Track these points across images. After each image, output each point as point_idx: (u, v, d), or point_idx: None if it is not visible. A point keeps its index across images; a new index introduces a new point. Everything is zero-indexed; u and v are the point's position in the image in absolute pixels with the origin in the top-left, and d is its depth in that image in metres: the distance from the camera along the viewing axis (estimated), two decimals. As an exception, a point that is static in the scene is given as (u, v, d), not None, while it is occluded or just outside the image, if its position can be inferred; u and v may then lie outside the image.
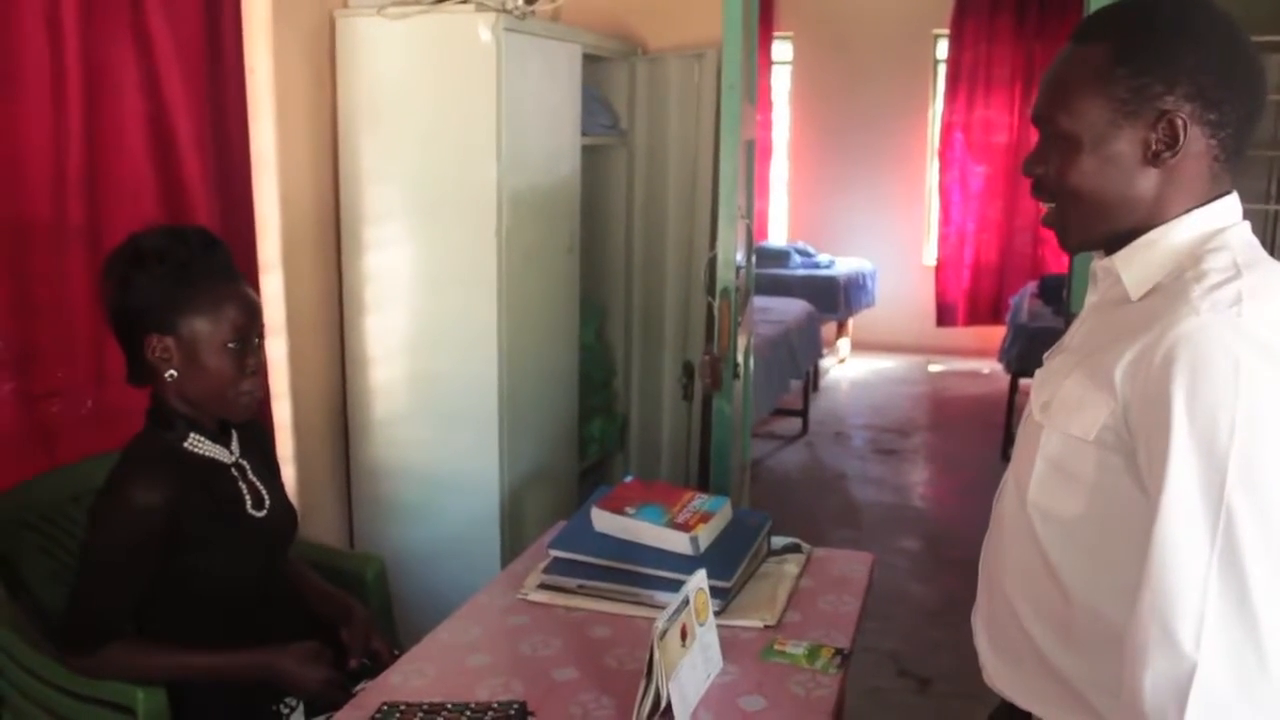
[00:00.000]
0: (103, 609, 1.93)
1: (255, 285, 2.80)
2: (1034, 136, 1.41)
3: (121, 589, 1.92)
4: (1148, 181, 1.29)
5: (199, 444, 1.98)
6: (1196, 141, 1.27)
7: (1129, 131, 1.28)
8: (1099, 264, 1.39)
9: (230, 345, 1.93)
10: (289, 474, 3.01)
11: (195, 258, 1.93)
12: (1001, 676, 1.46)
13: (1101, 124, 1.29)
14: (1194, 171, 1.29)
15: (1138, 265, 1.31)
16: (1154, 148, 1.27)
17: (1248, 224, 1.32)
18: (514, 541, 3.20)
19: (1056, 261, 7.73)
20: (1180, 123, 1.25)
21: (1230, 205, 1.31)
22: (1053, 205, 1.38)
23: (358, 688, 1.94)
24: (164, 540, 1.89)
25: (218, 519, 1.98)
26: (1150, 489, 1.19)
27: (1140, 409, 1.20)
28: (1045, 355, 1.47)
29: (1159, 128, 1.26)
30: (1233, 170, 1.32)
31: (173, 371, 1.93)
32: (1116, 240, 1.34)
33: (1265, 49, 4.85)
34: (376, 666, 2.02)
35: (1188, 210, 1.30)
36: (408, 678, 1.85)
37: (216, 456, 2.01)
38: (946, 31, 8.26)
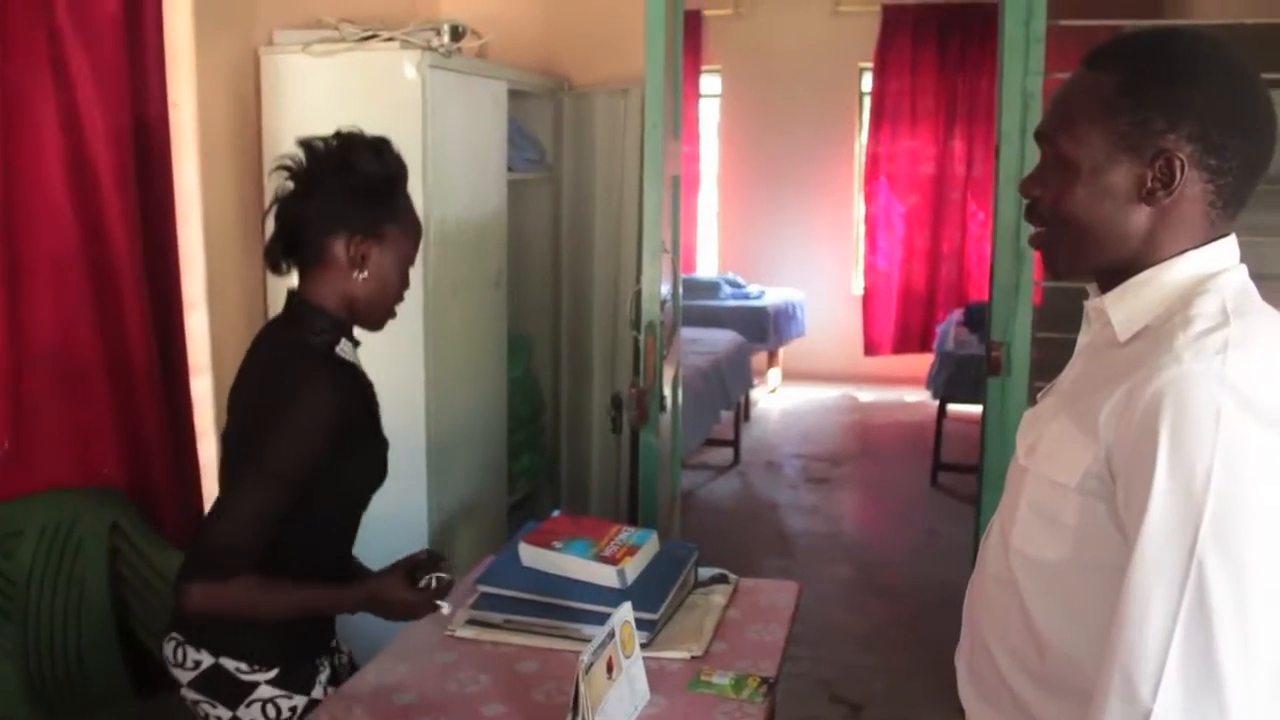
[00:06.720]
0: (250, 532, 1.78)
1: (180, 323, 2.79)
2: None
3: (279, 506, 1.79)
4: (1139, 218, 1.26)
5: (346, 351, 1.94)
6: (1193, 184, 1.23)
7: (1126, 165, 1.24)
8: (1091, 304, 1.36)
9: (410, 264, 1.97)
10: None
11: (401, 171, 1.95)
12: (982, 717, 1.44)
13: (1099, 154, 1.25)
14: (1189, 215, 1.25)
15: (1126, 306, 1.28)
16: (1149, 185, 1.24)
17: (1244, 268, 1.28)
18: (444, 577, 3.18)
19: (981, 289, 7.86)
20: (1178, 163, 1.21)
21: (1227, 248, 1.28)
22: (1044, 228, 1.35)
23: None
24: (330, 449, 1.82)
25: (365, 429, 1.95)
26: (1129, 535, 1.16)
27: (1122, 454, 1.18)
28: (1039, 394, 1.45)
29: (1156, 165, 1.23)
30: (1231, 218, 1.27)
31: (364, 274, 1.90)
32: (1107, 274, 1.32)
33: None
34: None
35: (1183, 251, 1.26)
36: (335, 718, 1.83)
37: (359, 365, 1.97)
38: (871, 64, 8.41)
